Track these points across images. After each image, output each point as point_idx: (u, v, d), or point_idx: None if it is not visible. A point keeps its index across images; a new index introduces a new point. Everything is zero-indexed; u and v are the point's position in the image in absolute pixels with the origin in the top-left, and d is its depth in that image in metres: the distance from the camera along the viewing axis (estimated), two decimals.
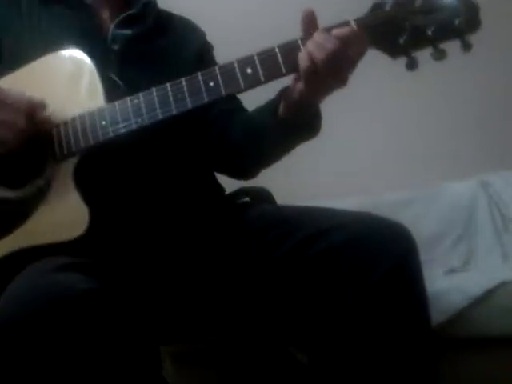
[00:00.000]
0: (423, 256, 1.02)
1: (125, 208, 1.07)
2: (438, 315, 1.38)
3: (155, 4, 1.26)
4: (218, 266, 1.10)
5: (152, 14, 1.23)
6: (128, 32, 1.18)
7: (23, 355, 0.80)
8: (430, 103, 2.04)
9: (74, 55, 1.07)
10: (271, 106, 1.09)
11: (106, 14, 1.20)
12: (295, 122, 1.05)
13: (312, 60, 0.95)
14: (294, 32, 0.98)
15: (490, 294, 1.50)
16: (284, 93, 1.05)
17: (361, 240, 0.99)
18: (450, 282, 1.67)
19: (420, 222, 1.98)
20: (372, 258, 0.97)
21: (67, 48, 1.07)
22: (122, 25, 1.18)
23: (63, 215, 1.00)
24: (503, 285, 1.51)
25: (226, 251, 1.10)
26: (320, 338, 1.01)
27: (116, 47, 1.16)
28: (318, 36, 0.95)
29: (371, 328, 0.96)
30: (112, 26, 1.17)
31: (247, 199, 1.25)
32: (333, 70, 0.95)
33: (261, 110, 1.14)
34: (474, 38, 0.96)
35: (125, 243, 1.05)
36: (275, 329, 1.24)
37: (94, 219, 0.97)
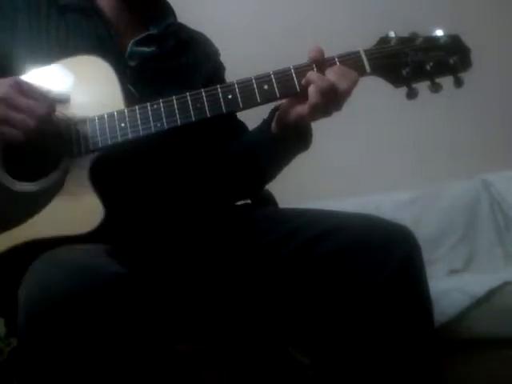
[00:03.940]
0: (424, 257, 1.02)
1: (136, 207, 1.08)
2: (439, 316, 1.38)
3: (177, 24, 1.26)
4: (221, 266, 1.10)
5: (173, 35, 1.23)
6: (147, 50, 1.18)
7: (61, 337, 0.81)
8: (430, 102, 2.05)
9: (94, 60, 1.08)
10: (264, 125, 1.15)
11: (123, 29, 1.19)
12: (287, 138, 1.11)
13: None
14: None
15: (492, 294, 1.50)
16: (277, 113, 1.10)
17: (365, 242, 1.00)
18: (452, 282, 1.67)
19: (421, 223, 1.98)
20: (376, 260, 0.98)
21: (85, 54, 1.09)
22: (141, 42, 1.18)
23: (77, 210, 1.01)
24: (505, 285, 1.51)
25: (229, 252, 1.10)
26: (324, 339, 1.01)
27: (133, 64, 1.16)
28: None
29: (375, 329, 0.97)
30: (131, 43, 1.16)
31: (249, 201, 1.26)
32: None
33: (255, 130, 1.20)
34: None
35: (134, 240, 1.07)
36: (277, 330, 1.24)
37: (107, 216, 0.99)
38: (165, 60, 1.19)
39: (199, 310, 1.14)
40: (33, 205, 1.02)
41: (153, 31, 1.20)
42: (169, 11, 1.25)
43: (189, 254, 1.11)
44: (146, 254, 1.08)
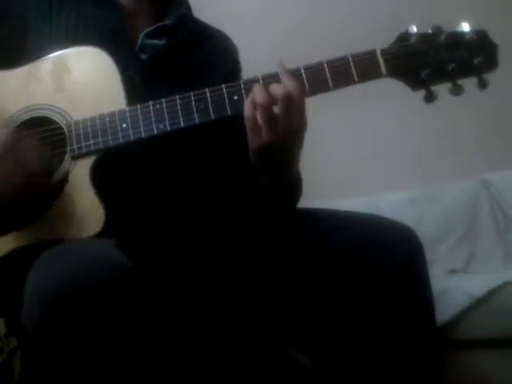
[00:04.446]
0: None
1: (138, 209, 1.07)
2: (439, 315, 1.38)
3: (191, 16, 1.23)
4: (223, 263, 1.10)
5: (186, 26, 1.19)
6: (159, 43, 1.14)
7: (83, 326, 0.81)
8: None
9: (97, 53, 1.05)
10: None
11: (137, 20, 1.16)
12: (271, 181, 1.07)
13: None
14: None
15: (492, 294, 1.50)
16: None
17: (368, 241, 1.01)
18: (452, 282, 1.67)
19: (421, 223, 1.98)
20: (378, 259, 0.99)
21: (90, 46, 1.06)
22: (153, 34, 1.14)
23: (78, 213, 1.00)
24: (505, 285, 1.51)
25: (233, 248, 1.10)
26: (325, 338, 1.02)
27: (144, 57, 1.13)
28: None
29: (377, 328, 0.97)
30: (142, 35, 1.13)
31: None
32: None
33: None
34: None
35: (136, 240, 1.05)
36: (278, 329, 1.24)
37: (108, 218, 0.98)
38: (178, 55, 1.16)
39: (199, 309, 1.14)
40: (34, 207, 1.00)
41: (164, 22, 1.15)
42: (183, 3, 1.22)
43: (189, 252, 1.11)
44: (148, 253, 1.07)
